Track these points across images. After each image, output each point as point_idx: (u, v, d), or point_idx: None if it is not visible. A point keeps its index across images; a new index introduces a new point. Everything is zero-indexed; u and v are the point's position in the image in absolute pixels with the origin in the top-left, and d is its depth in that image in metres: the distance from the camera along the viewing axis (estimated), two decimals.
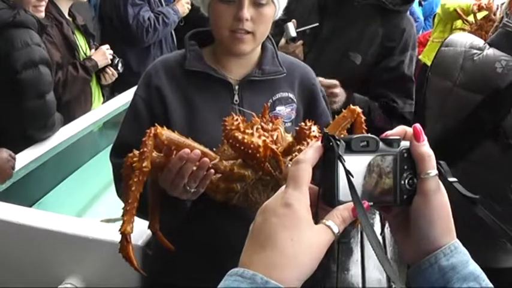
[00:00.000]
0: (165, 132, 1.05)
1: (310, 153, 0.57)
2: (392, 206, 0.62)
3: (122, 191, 1.16)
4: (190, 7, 3.59)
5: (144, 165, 1.02)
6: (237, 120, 1.06)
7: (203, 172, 1.08)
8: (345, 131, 1.22)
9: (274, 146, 1.05)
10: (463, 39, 1.66)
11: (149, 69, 1.39)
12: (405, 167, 0.60)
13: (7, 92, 2.09)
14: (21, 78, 2.05)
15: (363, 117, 1.19)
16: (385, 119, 1.91)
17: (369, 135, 0.58)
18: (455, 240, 0.60)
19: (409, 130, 0.61)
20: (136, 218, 1.24)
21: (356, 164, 0.57)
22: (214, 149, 1.15)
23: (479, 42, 1.61)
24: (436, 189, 0.59)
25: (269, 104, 1.32)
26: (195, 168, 1.07)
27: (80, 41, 2.73)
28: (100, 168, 2.31)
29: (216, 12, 1.28)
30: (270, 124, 1.12)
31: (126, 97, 2.74)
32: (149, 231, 1.31)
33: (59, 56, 2.47)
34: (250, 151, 1.03)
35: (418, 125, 0.60)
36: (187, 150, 1.05)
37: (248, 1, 1.23)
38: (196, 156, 1.05)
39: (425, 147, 0.60)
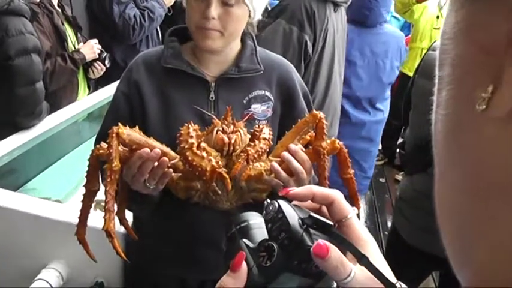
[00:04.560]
0: (127, 132, 1.09)
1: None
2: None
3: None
4: None
5: (113, 165, 1.07)
6: (191, 136, 1.09)
7: (162, 171, 1.13)
8: (307, 136, 1.24)
9: (223, 170, 1.08)
10: None
11: (131, 64, 1.40)
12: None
13: None
14: (14, 65, 2.07)
15: (325, 123, 1.18)
16: None
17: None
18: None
19: (317, 191, 0.59)
20: None
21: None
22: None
23: None
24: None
25: (245, 101, 1.34)
26: (155, 165, 1.12)
27: (69, 32, 2.75)
28: (83, 157, 2.31)
29: (188, 8, 1.29)
30: (232, 126, 1.16)
31: (110, 90, 2.75)
32: (131, 219, 1.37)
33: (48, 46, 2.48)
34: (197, 173, 1.08)
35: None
36: (147, 149, 1.10)
37: (216, 0, 1.23)
38: (156, 155, 1.10)
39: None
